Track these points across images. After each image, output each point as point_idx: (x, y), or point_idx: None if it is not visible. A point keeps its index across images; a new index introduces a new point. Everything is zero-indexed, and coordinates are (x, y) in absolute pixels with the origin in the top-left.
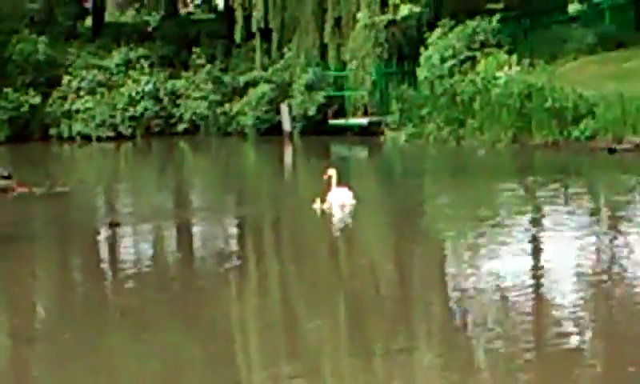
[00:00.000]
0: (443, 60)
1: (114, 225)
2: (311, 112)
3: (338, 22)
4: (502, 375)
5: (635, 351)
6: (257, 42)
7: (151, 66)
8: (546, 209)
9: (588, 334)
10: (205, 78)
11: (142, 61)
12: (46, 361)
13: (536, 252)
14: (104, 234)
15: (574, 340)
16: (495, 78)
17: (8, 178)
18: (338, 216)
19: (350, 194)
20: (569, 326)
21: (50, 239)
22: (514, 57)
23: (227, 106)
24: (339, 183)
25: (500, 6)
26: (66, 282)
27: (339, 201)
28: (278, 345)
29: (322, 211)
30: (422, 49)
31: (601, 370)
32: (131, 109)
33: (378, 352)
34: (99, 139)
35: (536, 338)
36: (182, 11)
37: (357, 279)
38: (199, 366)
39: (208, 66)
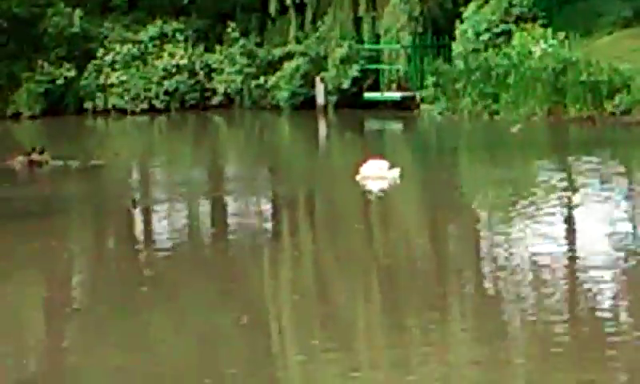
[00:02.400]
0: (478, 34)
1: (134, 203)
2: (345, 85)
3: None
4: (535, 348)
5: None
6: (291, 15)
7: (186, 39)
8: (582, 185)
9: (622, 309)
10: (239, 52)
11: (177, 34)
12: (84, 332)
13: (570, 229)
14: (138, 209)
15: (608, 314)
16: (530, 52)
17: (42, 151)
18: (374, 188)
19: (386, 164)
20: (603, 301)
21: (85, 214)
22: (549, 30)
23: (262, 79)
24: (374, 156)
25: None
26: (102, 257)
27: (374, 173)
28: (312, 318)
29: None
30: (457, 22)
31: (632, 340)
32: (166, 82)
33: (412, 325)
34: (134, 113)
35: (570, 313)
36: None
37: (391, 253)
38: (232, 337)
39: (242, 40)
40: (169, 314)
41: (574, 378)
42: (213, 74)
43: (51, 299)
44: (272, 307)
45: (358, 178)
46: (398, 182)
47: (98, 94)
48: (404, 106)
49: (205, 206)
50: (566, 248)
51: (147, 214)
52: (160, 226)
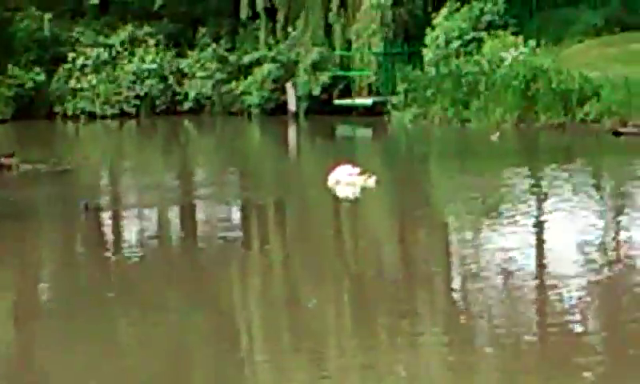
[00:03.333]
0: (449, 41)
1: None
2: (316, 92)
3: (343, 1)
4: (505, 357)
5: (636, 335)
6: (262, 21)
7: (157, 44)
8: (551, 193)
9: (591, 319)
10: (210, 57)
11: (148, 39)
12: (50, 338)
13: (540, 237)
14: (105, 213)
15: (577, 324)
16: (501, 60)
17: (11, 155)
18: (342, 195)
19: (357, 170)
20: (572, 310)
21: (52, 217)
22: (520, 38)
23: (232, 84)
24: (345, 161)
25: None
26: (69, 261)
27: (345, 178)
28: (282, 323)
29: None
30: (427, 29)
31: (602, 352)
32: (136, 87)
33: (381, 331)
34: (104, 117)
35: (539, 322)
36: None
37: (360, 261)
38: (204, 343)
39: (213, 45)
40: (135, 320)
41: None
42: (183, 79)
43: (16, 303)
44: (240, 314)
45: (328, 183)
46: (374, 188)
47: (68, 99)
48: (375, 113)
49: (172, 212)
50: (535, 256)
51: (115, 218)
52: (127, 231)
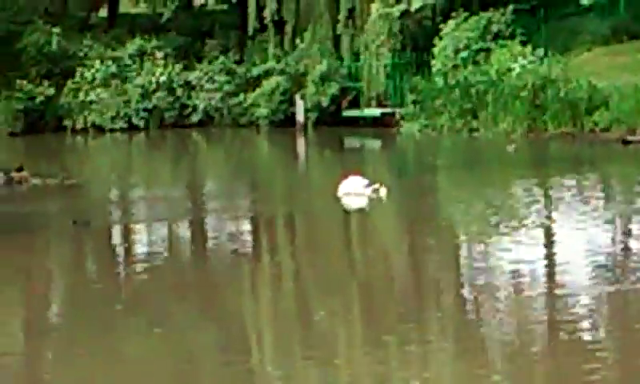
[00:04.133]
0: (457, 51)
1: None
2: (325, 103)
3: (351, 12)
4: (513, 366)
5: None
6: (270, 33)
7: (165, 57)
8: (562, 203)
9: (601, 329)
10: (218, 70)
11: (156, 52)
12: (57, 353)
13: (549, 247)
14: (116, 228)
15: (587, 334)
16: (509, 70)
17: (20, 169)
18: (352, 206)
19: (366, 182)
20: (582, 320)
21: (61, 231)
22: (528, 48)
23: (241, 96)
24: (354, 173)
25: None
26: (78, 275)
27: (354, 190)
28: (292, 334)
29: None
30: (436, 40)
31: (611, 362)
32: (145, 100)
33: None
34: (113, 130)
35: (548, 332)
36: (196, 3)
37: (370, 272)
38: (212, 356)
39: (222, 58)
40: (145, 333)
41: None
42: (192, 92)
43: (27, 317)
44: (250, 326)
45: (338, 195)
46: (383, 199)
47: (77, 112)
48: (383, 123)
49: (181, 225)
50: (546, 269)
51: (125, 233)
52: (137, 245)
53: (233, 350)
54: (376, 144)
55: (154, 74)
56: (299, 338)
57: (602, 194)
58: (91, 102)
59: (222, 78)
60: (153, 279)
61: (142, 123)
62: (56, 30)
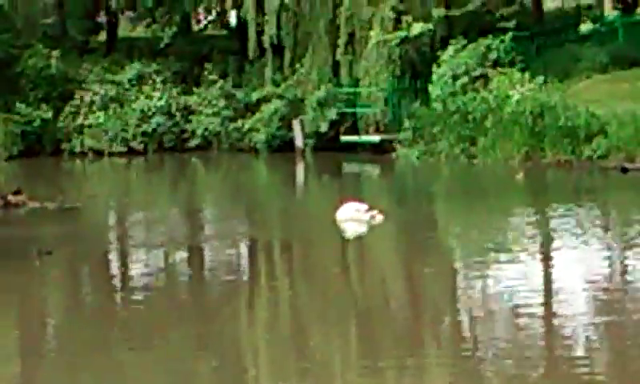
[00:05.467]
0: (456, 77)
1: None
2: (323, 128)
3: (350, 38)
4: None
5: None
6: (269, 58)
7: (164, 81)
8: (559, 231)
9: (597, 360)
10: (217, 94)
11: (155, 76)
12: (55, 374)
13: (547, 276)
14: (114, 252)
15: (583, 363)
16: (508, 96)
17: (18, 192)
18: (349, 232)
19: (364, 207)
20: (578, 349)
21: (59, 255)
22: (527, 75)
23: (239, 121)
24: (352, 198)
25: (512, 24)
26: (76, 299)
27: (352, 215)
28: (287, 360)
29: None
30: (434, 66)
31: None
32: (143, 124)
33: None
34: (111, 154)
35: (545, 361)
36: (195, 27)
37: (368, 300)
38: (207, 380)
39: (220, 82)
40: (141, 357)
41: None
42: (191, 116)
43: (18, 341)
44: (248, 352)
45: (336, 220)
46: (381, 225)
47: (76, 136)
48: (382, 150)
49: (178, 251)
50: (542, 296)
51: (123, 258)
52: (135, 270)
53: (229, 377)
54: (374, 170)
55: (152, 98)
56: (294, 364)
57: (601, 223)
58: (90, 126)
59: (221, 102)
60: (147, 305)
61: (140, 147)
62: (55, 53)
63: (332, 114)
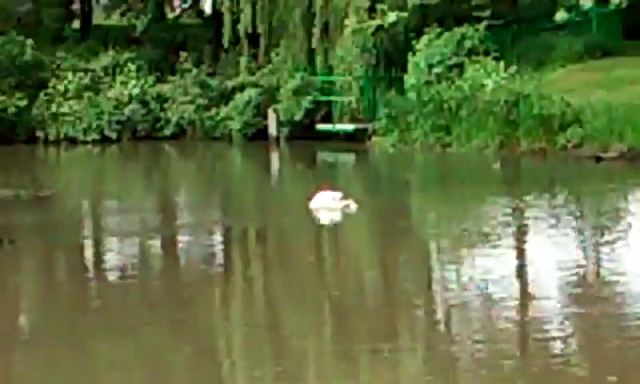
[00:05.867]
0: (430, 66)
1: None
2: (298, 117)
3: (325, 27)
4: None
5: (617, 361)
6: (243, 46)
7: (138, 69)
8: (534, 220)
9: (572, 344)
10: (192, 82)
11: (129, 64)
12: (31, 365)
13: (521, 263)
14: (86, 240)
15: (558, 349)
16: (482, 85)
17: None
18: (324, 220)
19: (339, 195)
20: (553, 335)
21: (33, 244)
22: (502, 64)
23: (214, 110)
24: (326, 187)
25: (487, 13)
26: (50, 288)
27: (326, 203)
28: (262, 348)
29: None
30: (409, 55)
31: (583, 378)
32: (118, 112)
33: (362, 356)
34: (85, 142)
35: (520, 346)
36: (170, 15)
37: (342, 286)
38: (184, 369)
39: (195, 70)
40: (118, 346)
41: None
42: (165, 105)
43: None
44: (222, 339)
45: (309, 208)
46: (355, 213)
47: (50, 124)
48: (356, 138)
49: (151, 239)
50: (516, 285)
51: (97, 246)
52: (109, 258)
53: (203, 365)
54: (349, 158)
55: (126, 87)
56: (270, 350)
57: (576, 212)
58: (64, 114)
59: (195, 90)
60: (120, 293)
61: (114, 135)
62: (29, 41)
63: (307, 102)
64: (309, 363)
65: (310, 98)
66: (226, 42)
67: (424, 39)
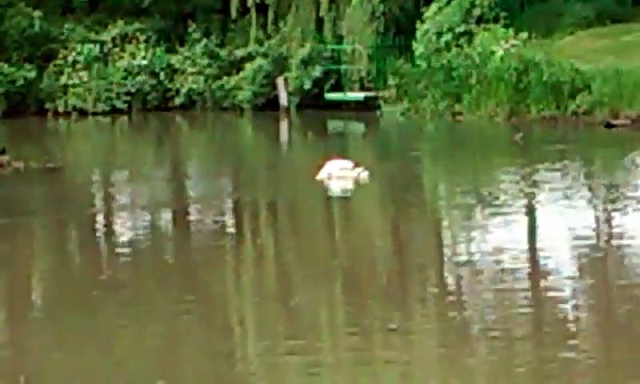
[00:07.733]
0: (440, 34)
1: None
2: (307, 86)
3: None
4: (496, 352)
5: (624, 329)
6: (252, 15)
7: (147, 40)
8: (546, 188)
9: (583, 311)
10: (201, 53)
11: (138, 35)
12: (45, 337)
13: (533, 233)
14: (98, 213)
15: (568, 317)
16: (492, 53)
17: (2, 152)
18: (335, 189)
19: (350, 164)
20: (564, 307)
21: (46, 216)
22: (511, 31)
23: (223, 80)
24: (337, 156)
25: None
26: (62, 260)
27: (337, 172)
28: (273, 320)
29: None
30: (418, 23)
31: (590, 349)
32: (127, 83)
33: (374, 328)
34: (95, 114)
35: (530, 316)
36: None
37: (353, 256)
38: (195, 339)
39: (204, 41)
40: (130, 316)
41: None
42: (174, 75)
43: (7, 302)
44: (235, 312)
45: (320, 178)
46: (366, 182)
47: (59, 95)
48: (366, 107)
49: (162, 211)
50: (528, 252)
51: (107, 218)
52: (120, 230)
53: (214, 337)
54: (359, 127)
55: (136, 57)
56: (281, 323)
57: (585, 178)
58: (73, 86)
59: (205, 61)
60: (132, 266)
61: (124, 106)
62: (38, 12)
63: (316, 71)
64: (320, 333)
65: (319, 67)
66: (234, 12)
67: (433, 7)
